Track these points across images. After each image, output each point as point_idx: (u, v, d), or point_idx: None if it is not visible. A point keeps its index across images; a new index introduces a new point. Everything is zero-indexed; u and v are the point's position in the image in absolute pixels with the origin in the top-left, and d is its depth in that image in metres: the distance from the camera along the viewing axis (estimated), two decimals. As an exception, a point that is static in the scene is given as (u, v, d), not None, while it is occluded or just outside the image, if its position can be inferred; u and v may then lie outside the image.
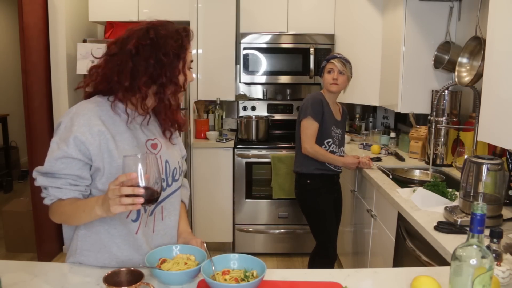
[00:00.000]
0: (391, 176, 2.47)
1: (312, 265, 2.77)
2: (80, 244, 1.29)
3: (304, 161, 2.59)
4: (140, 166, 1.06)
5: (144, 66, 1.21)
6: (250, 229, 3.59)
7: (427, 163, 2.72)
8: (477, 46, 2.32)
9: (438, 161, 2.68)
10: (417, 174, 2.65)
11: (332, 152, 2.58)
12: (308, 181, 2.61)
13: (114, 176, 1.20)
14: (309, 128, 2.52)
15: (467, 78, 2.35)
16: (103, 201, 1.10)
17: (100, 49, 3.23)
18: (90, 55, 3.26)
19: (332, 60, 2.58)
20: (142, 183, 1.05)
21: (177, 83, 1.25)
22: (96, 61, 1.29)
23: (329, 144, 2.58)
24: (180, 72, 1.25)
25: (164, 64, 1.22)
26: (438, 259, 1.52)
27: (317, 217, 2.64)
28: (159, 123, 1.38)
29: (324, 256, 2.65)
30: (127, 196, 1.03)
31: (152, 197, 1.08)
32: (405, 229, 1.94)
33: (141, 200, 1.04)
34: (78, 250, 1.30)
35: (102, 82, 1.25)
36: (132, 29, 1.25)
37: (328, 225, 2.64)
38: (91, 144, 1.19)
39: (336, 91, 2.58)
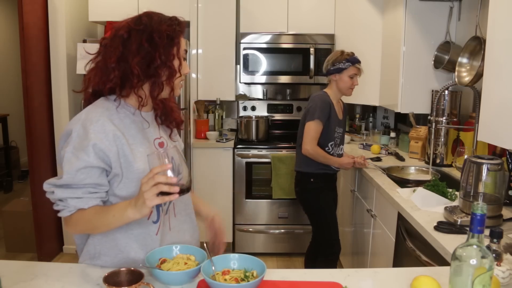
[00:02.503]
0: (385, 173, 2.47)
1: (313, 264, 2.77)
2: (99, 248, 1.28)
3: (308, 161, 2.57)
4: (166, 160, 1.07)
5: (136, 47, 1.18)
6: (250, 229, 3.59)
7: (427, 163, 2.72)
8: (477, 46, 2.32)
9: (438, 161, 2.68)
10: (412, 172, 2.66)
11: (331, 152, 2.58)
12: (312, 180, 2.61)
13: (131, 182, 1.20)
14: (313, 130, 2.49)
15: (467, 78, 2.35)
16: (136, 201, 1.09)
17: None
18: (90, 55, 3.28)
19: (357, 65, 2.53)
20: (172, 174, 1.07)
21: (172, 66, 1.23)
22: (90, 58, 1.27)
23: (332, 146, 2.58)
24: (175, 57, 1.24)
25: (158, 45, 1.19)
26: (438, 259, 1.52)
27: (321, 215, 2.64)
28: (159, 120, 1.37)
29: (330, 253, 2.64)
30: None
31: (184, 187, 1.09)
32: (405, 229, 1.94)
33: (177, 188, 1.06)
34: (96, 255, 1.28)
35: (101, 77, 1.22)
36: (124, 20, 1.25)
37: (331, 222, 2.64)
38: (110, 150, 1.17)
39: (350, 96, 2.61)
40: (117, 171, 1.20)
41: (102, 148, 1.16)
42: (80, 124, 1.18)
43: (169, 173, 1.06)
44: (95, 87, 1.26)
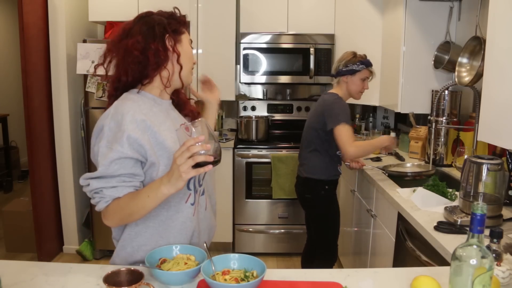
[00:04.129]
0: (387, 174, 2.47)
1: (310, 266, 2.76)
2: (137, 241, 1.29)
3: (323, 167, 2.49)
4: (194, 132, 1.09)
5: (151, 37, 1.27)
6: (250, 229, 3.59)
7: (427, 163, 2.72)
8: (477, 46, 2.32)
9: (438, 161, 2.68)
10: (409, 166, 2.67)
11: (340, 156, 2.52)
12: (326, 187, 2.52)
13: (169, 168, 1.19)
14: (346, 132, 2.34)
15: (467, 78, 2.35)
16: (169, 176, 1.11)
17: (100, 49, 3.24)
18: (90, 55, 3.29)
19: (370, 68, 2.48)
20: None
21: (178, 53, 1.31)
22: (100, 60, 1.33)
23: (339, 153, 2.51)
24: (177, 45, 1.31)
25: (163, 34, 1.29)
26: (438, 259, 1.52)
27: (329, 223, 2.58)
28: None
29: (330, 257, 2.61)
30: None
31: (218, 156, 1.10)
32: (405, 229, 1.94)
33: (211, 158, 1.06)
34: (135, 247, 1.30)
35: (122, 73, 1.29)
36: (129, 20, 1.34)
37: (336, 230, 2.61)
38: (143, 139, 1.20)
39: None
40: (153, 160, 1.22)
41: (136, 138, 1.19)
42: (110, 118, 1.22)
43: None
44: (120, 88, 1.32)
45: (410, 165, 2.69)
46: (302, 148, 2.62)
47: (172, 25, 1.31)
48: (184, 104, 1.46)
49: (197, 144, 1.05)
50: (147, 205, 1.17)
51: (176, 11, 1.36)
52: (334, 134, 2.37)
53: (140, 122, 1.21)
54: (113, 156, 1.17)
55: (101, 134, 1.21)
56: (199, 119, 1.15)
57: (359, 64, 2.45)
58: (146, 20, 1.30)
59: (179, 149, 1.08)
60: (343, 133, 2.34)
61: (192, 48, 1.38)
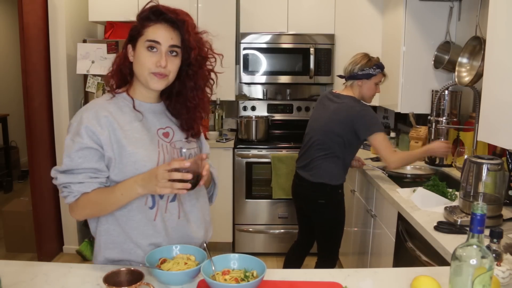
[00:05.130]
0: (386, 174, 2.47)
1: (298, 267, 2.73)
2: (104, 239, 1.31)
3: (340, 173, 2.44)
4: (185, 151, 1.16)
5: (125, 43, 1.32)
6: (250, 229, 3.59)
7: (427, 163, 2.72)
8: (477, 46, 2.32)
9: (438, 161, 2.68)
10: (408, 168, 2.66)
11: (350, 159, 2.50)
12: (340, 192, 2.48)
13: (125, 166, 1.24)
14: (384, 141, 2.31)
15: (467, 78, 2.35)
16: (146, 181, 1.17)
17: (100, 49, 3.24)
18: (90, 55, 3.28)
19: (384, 71, 2.44)
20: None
21: (139, 57, 1.28)
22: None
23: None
24: (136, 48, 1.29)
25: (131, 36, 1.30)
26: (438, 259, 1.52)
27: (338, 228, 2.54)
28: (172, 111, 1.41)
29: (333, 256, 2.58)
30: (175, 181, 1.12)
31: (195, 183, 1.17)
32: (405, 229, 1.94)
33: (189, 185, 1.14)
34: (103, 245, 1.32)
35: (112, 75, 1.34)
36: None
37: (341, 235, 2.58)
38: (101, 134, 1.23)
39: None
40: (110, 155, 1.24)
41: (93, 131, 1.22)
42: (77, 114, 1.28)
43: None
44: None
45: (411, 167, 2.68)
46: (311, 151, 2.46)
47: (133, 29, 1.29)
48: (178, 114, 1.39)
49: (181, 169, 1.12)
50: (120, 201, 1.23)
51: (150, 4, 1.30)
52: (371, 144, 2.35)
53: (102, 118, 1.24)
54: (75, 148, 1.22)
55: (68, 129, 1.27)
56: (193, 141, 1.24)
57: (376, 68, 2.39)
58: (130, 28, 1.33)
59: (164, 166, 1.14)
60: (383, 142, 2.30)
61: (153, 48, 1.25)
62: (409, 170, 2.66)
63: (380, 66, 2.41)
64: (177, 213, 1.33)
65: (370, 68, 2.38)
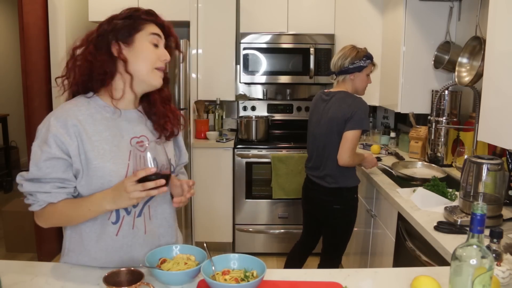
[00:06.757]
0: (395, 174, 2.46)
1: (299, 267, 2.72)
2: (67, 244, 1.31)
3: (353, 174, 2.39)
4: (149, 155, 1.12)
5: (95, 42, 1.26)
6: (250, 229, 3.59)
7: (427, 163, 2.72)
8: (477, 46, 2.32)
9: (438, 161, 2.68)
10: (419, 167, 2.64)
11: None
12: (355, 196, 2.42)
13: (91, 179, 1.20)
14: (357, 139, 2.27)
15: (467, 78, 2.35)
16: (116, 198, 1.13)
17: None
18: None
19: (373, 61, 2.39)
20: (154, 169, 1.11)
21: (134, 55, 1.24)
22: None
23: None
24: (134, 44, 1.24)
25: (115, 35, 1.26)
26: (438, 259, 1.52)
27: (350, 230, 2.50)
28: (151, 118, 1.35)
29: (339, 257, 2.57)
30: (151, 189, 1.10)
31: (168, 180, 1.15)
32: (405, 229, 1.94)
33: (165, 189, 1.13)
34: (65, 251, 1.31)
35: (74, 76, 1.29)
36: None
37: (349, 238, 2.55)
38: (70, 145, 1.18)
39: None
40: (78, 166, 1.20)
41: (62, 141, 1.17)
42: (45, 119, 1.22)
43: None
44: (72, 87, 1.31)
45: (420, 166, 2.65)
46: (322, 157, 2.39)
47: (125, 28, 1.25)
48: (159, 118, 1.33)
49: (151, 177, 1.09)
50: (86, 215, 1.21)
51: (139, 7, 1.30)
52: (345, 135, 2.26)
53: (71, 127, 1.18)
54: (42, 157, 1.17)
55: (36, 134, 1.21)
56: (157, 141, 1.18)
57: (366, 59, 2.34)
58: (102, 28, 1.28)
59: (131, 178, 1.09)
60: (355, 140, 2.26)
61: (156, 44, 1.25)
62: (418, 168, 2.64)
63: (369, 57, 2.36)
64: (143, 228, 1.29)
65: (361, 60, 2.33)
